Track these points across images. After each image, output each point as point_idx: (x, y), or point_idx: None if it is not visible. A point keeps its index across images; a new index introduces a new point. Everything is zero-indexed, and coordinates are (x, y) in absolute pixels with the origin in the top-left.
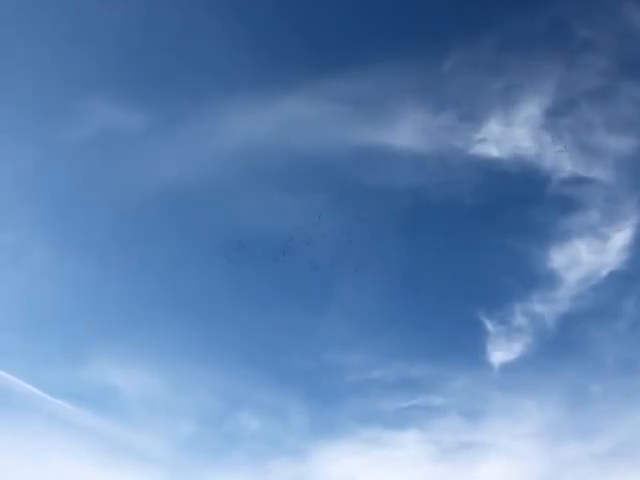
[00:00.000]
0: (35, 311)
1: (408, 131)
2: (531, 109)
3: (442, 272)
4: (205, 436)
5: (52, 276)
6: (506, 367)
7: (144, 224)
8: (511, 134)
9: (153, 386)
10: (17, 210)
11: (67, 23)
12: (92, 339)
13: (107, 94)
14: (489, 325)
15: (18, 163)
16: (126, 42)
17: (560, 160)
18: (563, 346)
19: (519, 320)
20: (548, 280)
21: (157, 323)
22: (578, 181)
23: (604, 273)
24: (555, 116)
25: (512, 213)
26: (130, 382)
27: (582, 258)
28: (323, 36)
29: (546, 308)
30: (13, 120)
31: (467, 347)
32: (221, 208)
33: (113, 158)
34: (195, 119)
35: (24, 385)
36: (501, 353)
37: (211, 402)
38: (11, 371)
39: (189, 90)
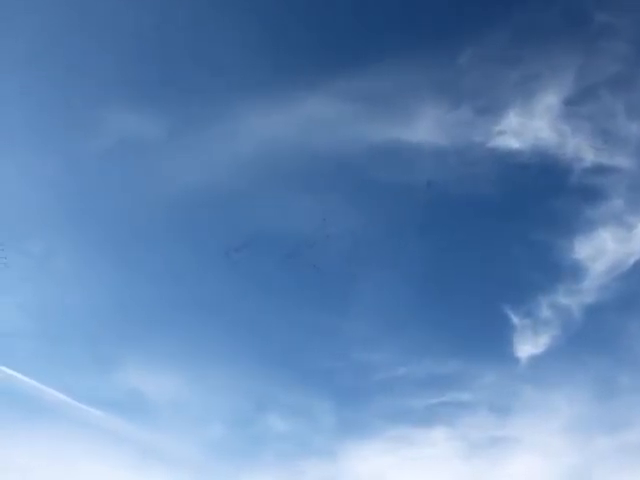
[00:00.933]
0: (62, 318)
1: (426, 127)
2: (550, 99)
3: (465, 267)
4: (233, 438)
5: (77, 283)
6: (533, 361)
7: (166, 229)
8: (530, 125)
9: (180, 390)
10: (43, 218)
11: (82, 33)
12: (119, 345)
13: (125, 103)
14: (515, 319)
15: (43, 173)
16: (141, 49)
17: (582, 149)
18: (590, 337)
19: (545, 313)
20: (573, 271)
21: (183, 327)
22: (600, 170)
23: (630, 262)
24: (575, 105)
25: (534, 205)
26: (157, 387)
27: (607, 248)
28: (337, 36)
29: (572, 300)
30: (37, 132)
31: (493, 342)
32: (240, 210)
33: (134, 165)
34: (213, 123)
35: (52, 392)
36: (528, 347)
37: (238, 404)
38: (39, 378)
39: (206, 95)
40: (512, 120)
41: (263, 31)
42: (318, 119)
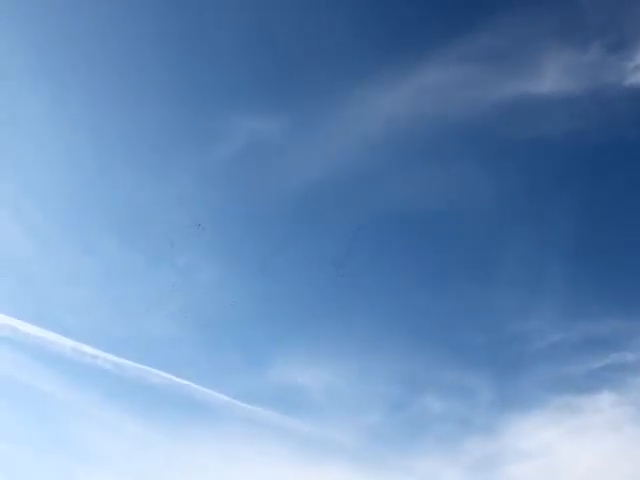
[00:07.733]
0: (213, 325)
1: (555, 75)
2: None
3: (613, 218)
4: (392, 423)
5: (223, 290)
6: None
7: (302, 224)
8: None
9: (334, 380)
10: (184, 233)
11: (205, 46)
12: (270, 344)
13: (247, 107)
14: None
15: (178, 187)
16: (253, 52)
17: None
18: None
19: None
20: None
21: (331, 318)
22: None
23: None
24: None
25: None
26: (312, 379)
27: None
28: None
29: None
30: (174, 145)
31: None
32: (374, 192)
33: (262, 166)
34: (332, 110)
35: (215, 394)
36: None
37: (394, 389)
38: (201, 382)
39: (321, 84)
40: None
41: (365, 9)
42: (439, 86)
